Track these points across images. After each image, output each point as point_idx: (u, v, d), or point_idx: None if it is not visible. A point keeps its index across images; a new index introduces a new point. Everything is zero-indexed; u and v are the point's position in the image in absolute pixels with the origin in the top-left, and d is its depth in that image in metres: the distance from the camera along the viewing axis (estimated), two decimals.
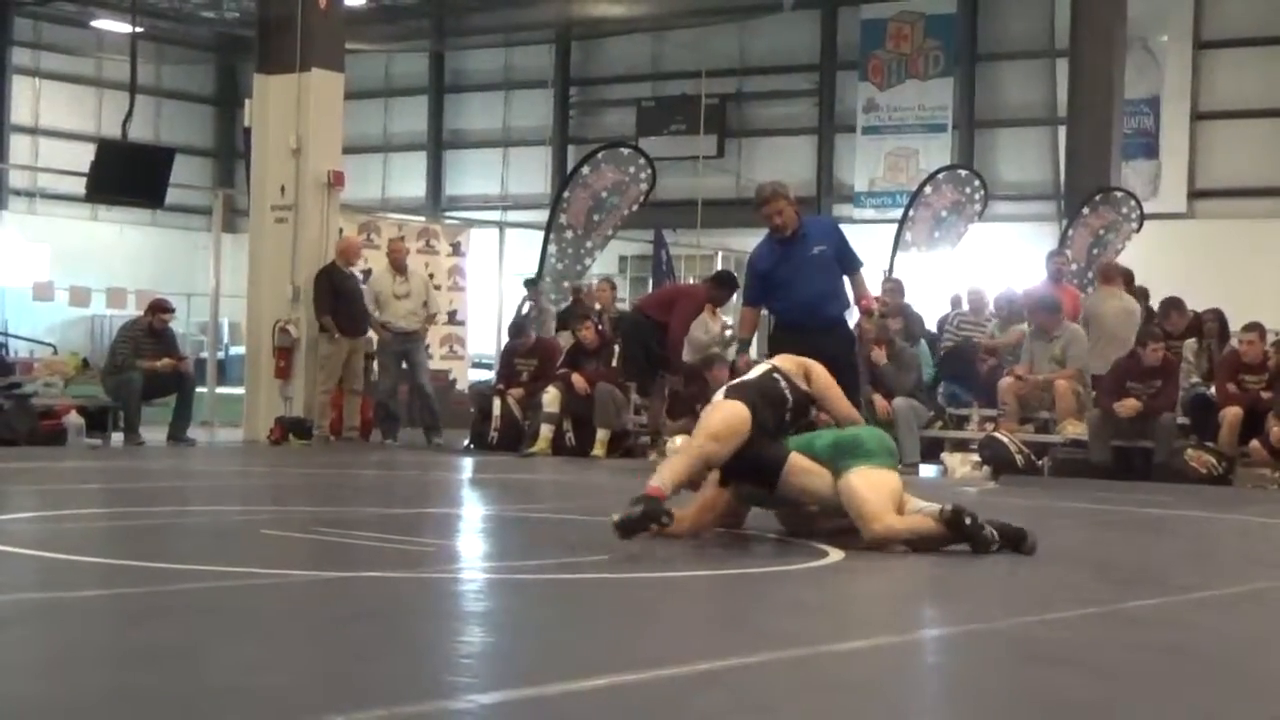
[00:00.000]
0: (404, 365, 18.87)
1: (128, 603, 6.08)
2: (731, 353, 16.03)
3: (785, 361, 9.09)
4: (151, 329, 17.71)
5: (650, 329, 17.28)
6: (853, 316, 12.13)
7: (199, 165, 40.88)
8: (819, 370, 9.00)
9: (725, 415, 8.47)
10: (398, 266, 19.13)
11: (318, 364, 18.47)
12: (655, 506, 7.92)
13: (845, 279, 11.34)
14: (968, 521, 8.05)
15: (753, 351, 11.95)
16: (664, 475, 8.18)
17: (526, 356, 18.41)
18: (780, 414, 8.63)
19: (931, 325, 20.05)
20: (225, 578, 6.70)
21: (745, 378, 8.97)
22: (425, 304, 19.11)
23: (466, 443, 18.39)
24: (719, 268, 28.36)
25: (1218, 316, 17.08)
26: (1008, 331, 17.72)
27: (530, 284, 21.77)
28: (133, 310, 21.21)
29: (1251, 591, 7.54)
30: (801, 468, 8.40)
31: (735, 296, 18.24)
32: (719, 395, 8.78)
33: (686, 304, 17.48)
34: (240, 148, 35.80)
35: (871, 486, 8.26)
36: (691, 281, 24.33)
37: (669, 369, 17.14)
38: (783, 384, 8.76)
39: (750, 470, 8.52)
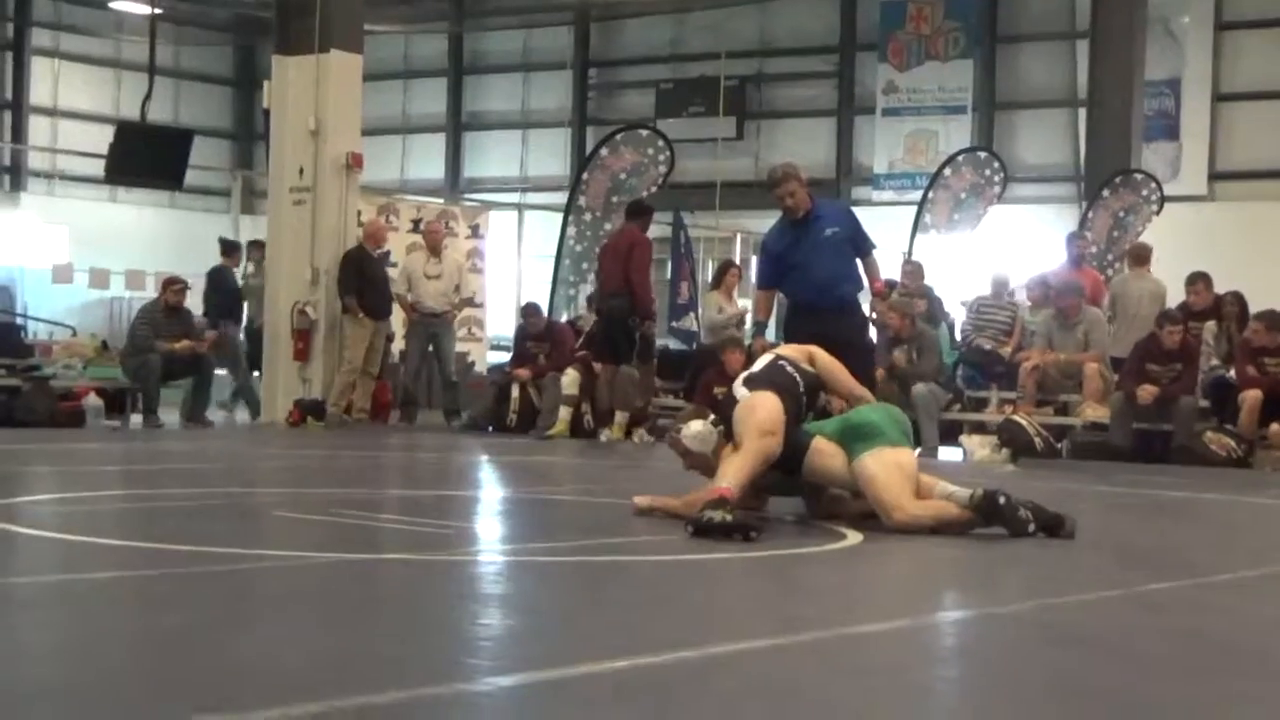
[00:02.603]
0: (430, 348, 18.88)
1: (146, 585, 6.09)
2: (747, 336, 16.07)
3: (788, 350, 9.10)
4: (168, 306, 17.74)
5: (629, 308, 17.31)
6: (865, 299, 12.13)
7: (218, 147, 40.84)
8: (821, 353, 9.02)
9: (770, 409, 8.41)
10: (433, 248, 19.18)
11: (340, 344, 18.47)
12: (743, 521, 7.79)
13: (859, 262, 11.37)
14: (1002, 502, 8.03)
15: (769, 334, 11.96)
16: (729, 476, 8.10)
17: (538, 340, 18.42)
18: (796, 398, 8.62)
19: (951, 308, 20.03)
20: (244, 560, 6.71)
21: (753, 370, 8.95)
22: (457, 287, 19.14)
23: (463, 420, 18.38)
24: (738, 249, 28.36)
25: (1238, 299, 17.03)
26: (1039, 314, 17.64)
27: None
28: (151, 292, 21.28)
29: (1271, 575, 7.53)
30: (822, 450, 8.42)
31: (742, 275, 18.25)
32: (740, 389, 8.72)
33: (641, 253, 17.41)
34: (259, 129, 35.95)
35: (886, 471, 8.25)
36: (708, 266, 24.27)
37: (646, 316, 17.27)
38: (789, 369, 8.76)
39: (778, 457, 8.51)
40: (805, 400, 8.73)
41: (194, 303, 19.45)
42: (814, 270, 11.01)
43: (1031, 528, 8.03)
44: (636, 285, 17.15)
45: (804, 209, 11.02)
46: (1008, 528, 8.02)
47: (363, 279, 18.33)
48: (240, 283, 20.96)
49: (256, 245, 21.14)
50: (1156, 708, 4.33)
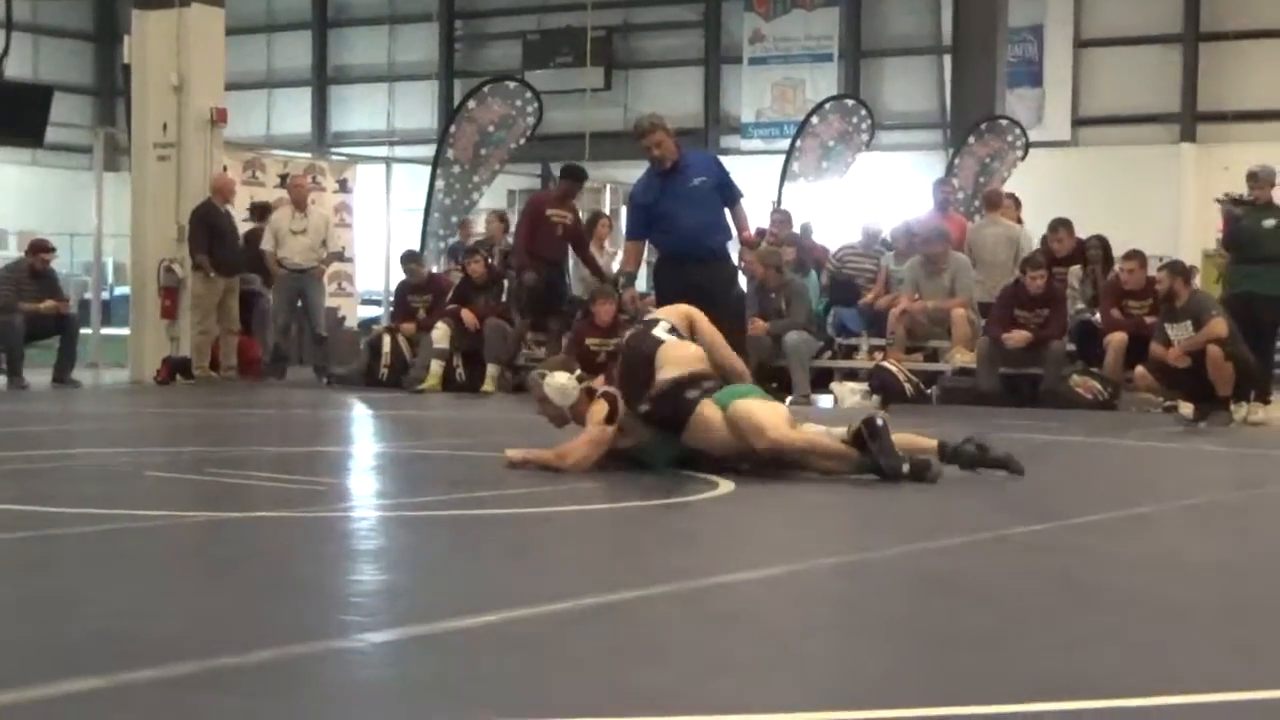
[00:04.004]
0: (299, 304, 18.73)
1: (17, 547, 6.01)
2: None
3: (669, 313, 9.12)
4: (33, 270, 17.47)
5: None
6: (734, 248, 12.20)
7: (79, 103, 40.26)
8: (703, 322, 9.05)
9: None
10: (298, 203, 19.00)
11: (191, 303, 18.25)
12: None
13: (727, 211, 11.44)
14: (880, 423, 8.09)
15: (640, 285, 12.00)
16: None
17: (419, 292, 18.34)
18: (649, 371, 8.64)
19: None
20: (112, 520, 6.63)
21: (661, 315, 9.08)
22: (324, 243, 18.99)
23: (334, 374, 18.27)
24: (608, 200, 28.34)
25: (1101, 243, 17.24)
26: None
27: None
28: (13, 252, 20.97)
29: (1135, 515, 7.65)
30: (706, 405, 8.44)
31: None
32: (664, 332, 8.80)
33: (529, 206, 17.75)
34: (121, 85, 35.40)
35: (763, 405, 8.38)
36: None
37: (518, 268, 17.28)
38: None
39: (669, 412, 8.50)
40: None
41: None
42: (682, 220, 11.06)
43: (906, 468, 8.09)
44: (516, 236, 17.55)
45: (671, 159, 11.08)
46: (882, 456, 8.04)
47: (212, 235, 18.10)
48: None
49: None
50: (1021, 648, 4.40)
